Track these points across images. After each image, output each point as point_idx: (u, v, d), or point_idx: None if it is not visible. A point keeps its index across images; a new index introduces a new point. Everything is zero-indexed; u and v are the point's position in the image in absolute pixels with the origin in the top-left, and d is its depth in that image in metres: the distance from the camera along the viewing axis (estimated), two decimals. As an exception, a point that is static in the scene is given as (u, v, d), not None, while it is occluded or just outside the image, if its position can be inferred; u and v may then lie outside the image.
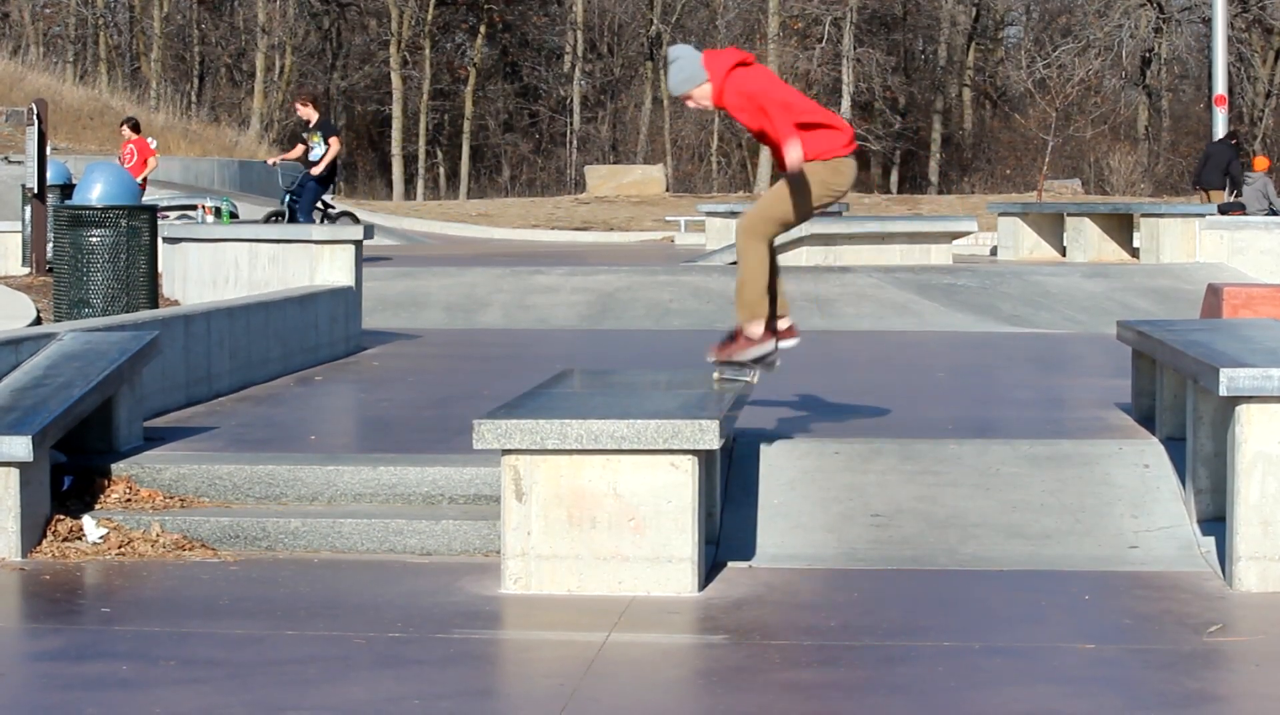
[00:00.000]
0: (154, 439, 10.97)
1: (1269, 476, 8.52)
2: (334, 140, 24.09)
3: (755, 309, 9.99)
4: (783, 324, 10.17)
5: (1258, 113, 64.25)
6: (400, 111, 67.93)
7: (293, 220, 23.78)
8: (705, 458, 8.77)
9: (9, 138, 41.99)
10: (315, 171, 23.89)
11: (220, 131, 58.04)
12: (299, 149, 24.63)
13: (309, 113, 24.13)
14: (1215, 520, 9.30)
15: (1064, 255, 29.38)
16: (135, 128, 30.22)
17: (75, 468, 10.10)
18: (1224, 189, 33.64)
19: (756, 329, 10.00)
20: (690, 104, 9.99)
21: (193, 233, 19.54)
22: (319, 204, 24.56)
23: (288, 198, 24.39)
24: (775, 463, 10.17)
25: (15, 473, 9.22)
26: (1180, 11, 66.23)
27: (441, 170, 71.39)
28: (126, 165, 27.56)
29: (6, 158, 37.51)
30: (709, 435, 8.38)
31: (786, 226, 10.04)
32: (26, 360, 10.69)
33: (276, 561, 9.25)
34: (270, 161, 28.86)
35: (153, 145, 29.79)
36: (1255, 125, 63.48)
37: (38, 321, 16.66)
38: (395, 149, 68.26)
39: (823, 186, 9.97)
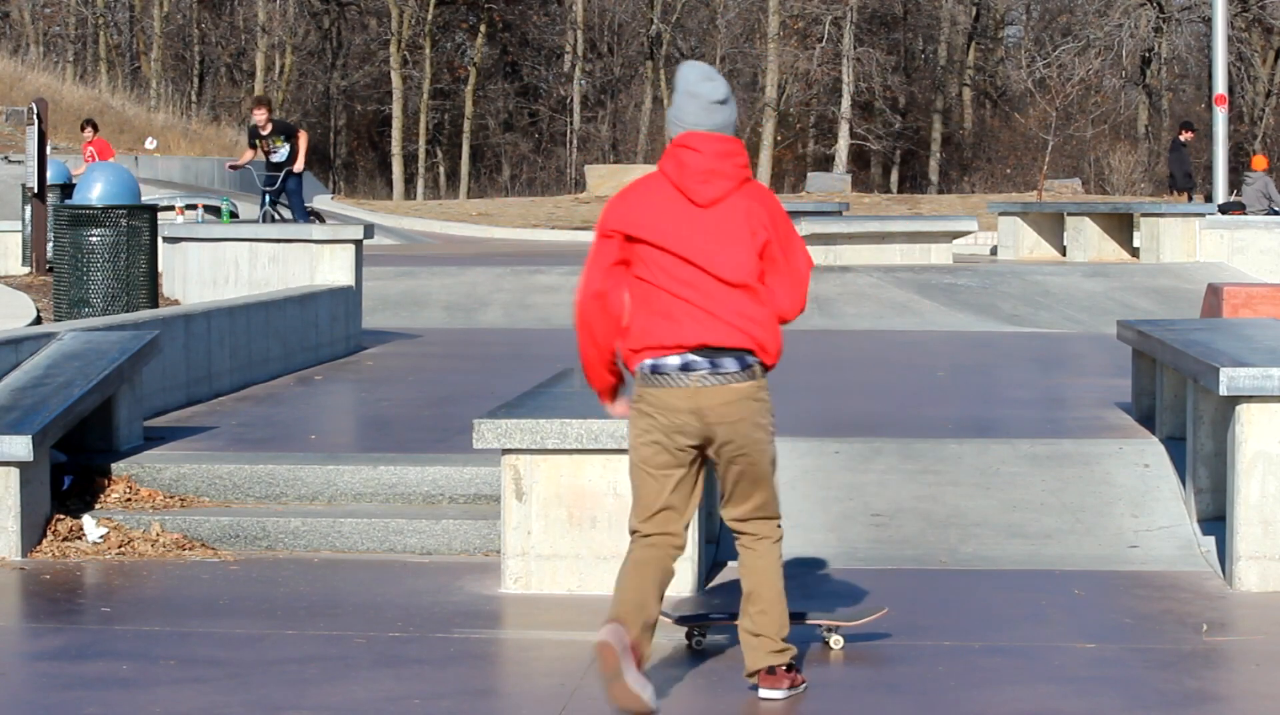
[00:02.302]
0: (154, 438, 10.96)
1: (1269, 476, 8.52)
2: (301, 134, 24.28)
3: (614, 606, 6.56)
4: (759, 666, 6.77)
5: (1258, 112, 64.19)
6: (400, 111, 67.88)
7: (271, 220, 23.77)
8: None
9: (9, 137, 41.99)
10: (297, 168, 23.95)
11: (220, 131, 58.06)
12: (249, 154, 24.63)
13: (266, 118, 24.21)
14: (1215, 520, 9.30)
15: (1064, 255, 29.36)
16: (95, 128, 30.19)
17: (75, 467, 10.10)
18: (1186, 185, 33.62)
19: (611, 632, 6.45)
20: None
21: (193, 232, 19.54)
22: (272, 202, 24.45)
23: (267, 198, 24.36)
24: (775, 462, 10.15)
25: (15, 472, 9.22)
26: (1180, 11, 66.17)
27: (441, 170, 71.35)
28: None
29: (6, 157, 37.51)
30: (709, 435, 8.35)
31: (646, 500, 6.64)
32: (26, 360, 10.69)
33: (276, 561, 9.24)
34: (230, 166, 27.32)
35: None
36: (1255, 125, 63.41)
37: (38, 321, 16.64)
38: (395, 148, 68.20)
39: (644, 433, 6.60)
